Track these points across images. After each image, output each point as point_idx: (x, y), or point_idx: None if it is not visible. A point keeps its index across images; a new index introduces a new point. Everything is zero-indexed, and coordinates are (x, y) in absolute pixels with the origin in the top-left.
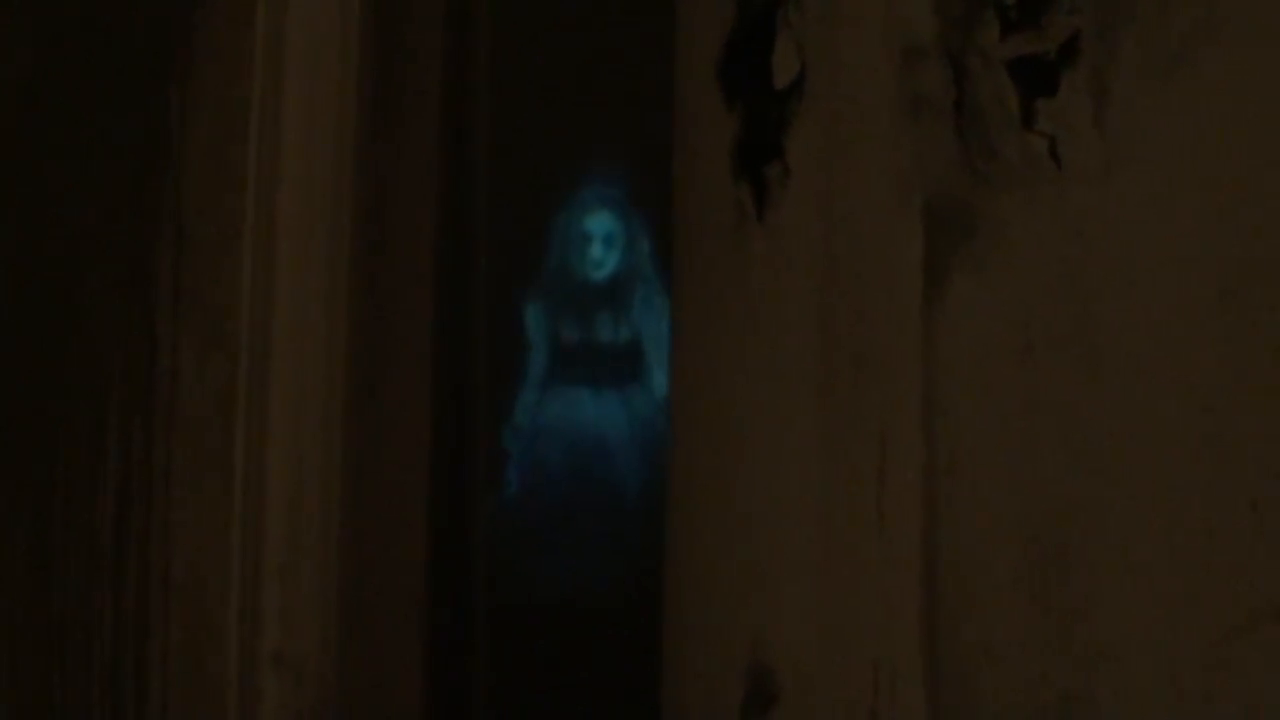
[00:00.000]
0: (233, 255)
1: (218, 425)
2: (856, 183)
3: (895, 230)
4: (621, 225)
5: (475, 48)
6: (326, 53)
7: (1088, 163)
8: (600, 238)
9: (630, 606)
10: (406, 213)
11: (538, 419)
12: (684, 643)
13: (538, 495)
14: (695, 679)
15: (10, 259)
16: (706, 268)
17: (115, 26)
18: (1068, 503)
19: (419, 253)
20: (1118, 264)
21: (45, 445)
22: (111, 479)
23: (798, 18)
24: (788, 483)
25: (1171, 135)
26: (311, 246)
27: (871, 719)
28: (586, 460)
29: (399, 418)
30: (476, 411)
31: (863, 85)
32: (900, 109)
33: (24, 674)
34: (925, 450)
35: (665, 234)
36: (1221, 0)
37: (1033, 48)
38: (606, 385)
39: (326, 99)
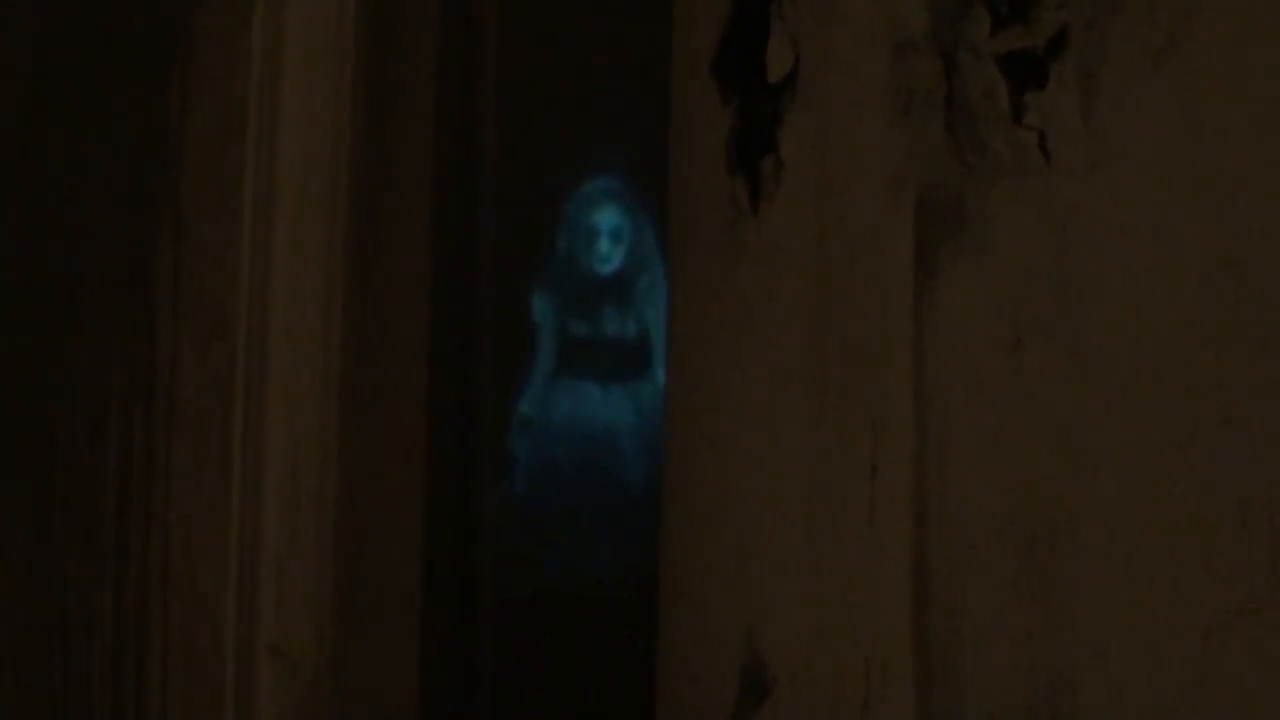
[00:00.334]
0: (231, 251)
1: (216, 419)
2: (849, 176)
3: (887, 223)
4: (628, 220)
5: (480, 45)
6: (323, 51)
7: (1076, 156)
8: (607, 232)
9: (636, 598)
10: (402, 208)
11: (545, 412)
12: (679, 637)
13: (545, 488)
14: (690, 673)
15: (10, 254)
16: (702, 261)
17: (115, 24)
18: (1055, 496)
19: (414, 247)
20: (1105, 256)
21: (46, 440)
22: (112, 473)
23: (791, 12)
24: (781, 477)
25: (1158, 128)
26: (308, 242)
27: (864, 710)
28: (594, 453)
29: (395, 412)
30: (483, 405)
31: (855, 79)
32: (892, 103)
33: (26, 666)
34: (916, 443)
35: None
36: None
37: (1022, 42)
38: (613, 378)
39: (323, 97)
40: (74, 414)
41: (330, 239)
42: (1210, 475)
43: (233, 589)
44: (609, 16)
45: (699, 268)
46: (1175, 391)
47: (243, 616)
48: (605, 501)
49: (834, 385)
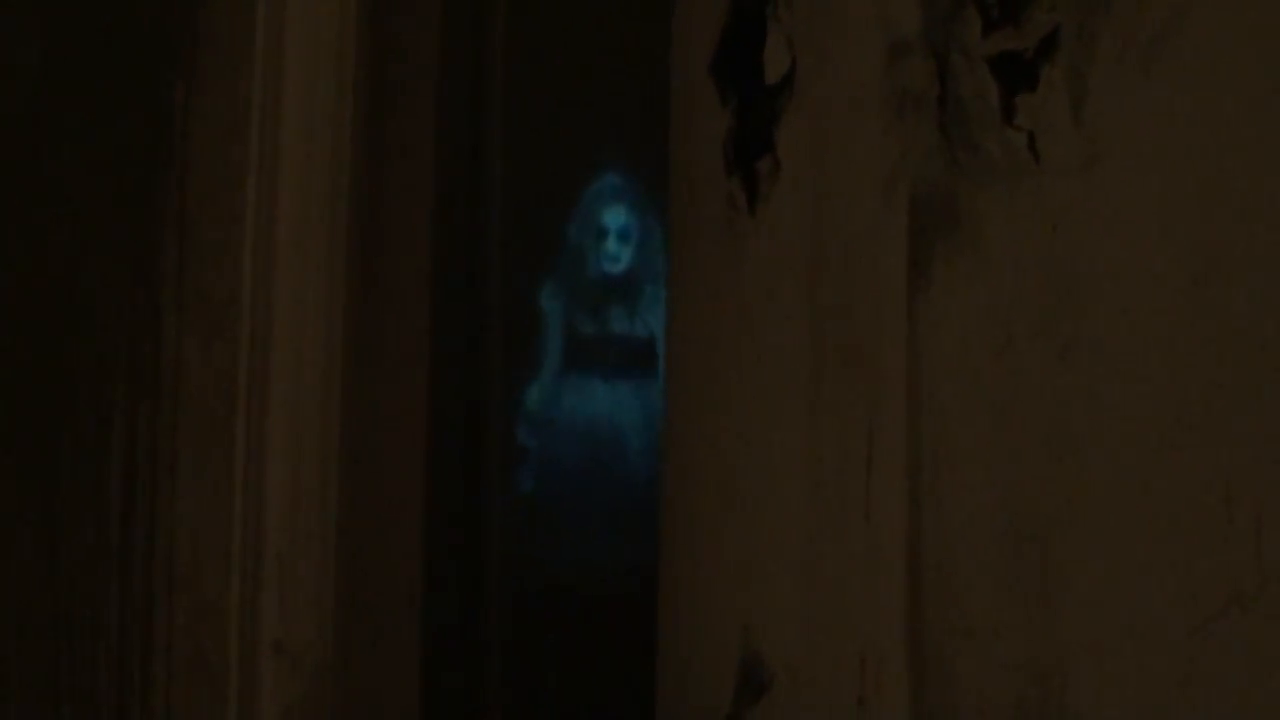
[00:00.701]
0: (234, 250)
1: (220, 418)
2: (844, 176)
3: (881, 222)
4: (637, 219)
5: (487, 43)
6: (325, 51)
7: (1066, 157)
8: (616, 232)
9: (642, 594)
10: (403, 206)
11: (552, 410)
12: (677, 634)
13: (552, 485)
14: (688, 669)
15: (15, 252)
16: (700, 260)
17: (120, 24)
18: (1047, 493)
19: (416, 246)
20: (1096, 256)
21: (52, 436)
22: (117, 469)
23: (788, 14)
24: (777, 476)
25: (1147, 129)
26: (311, 241)
27: (859, 705)
28: (601, 450)
29: (397, 410)
30: (489, 403)
31: (850, 80)
32: (886, 104)
33: (33, 663)
34: (910, 441)
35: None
36: None
37: (1013, 44)
38: (621, 377)
39: (325, 96)
40: (79, 413)
41: (333, 238)
42: (1198, 472)
43: (236, 587)
44: (621, 14)
45: (697, 267)
46: (1164, 389)
47: (246, 614)
48: (612, 498)
49: (830, 384)
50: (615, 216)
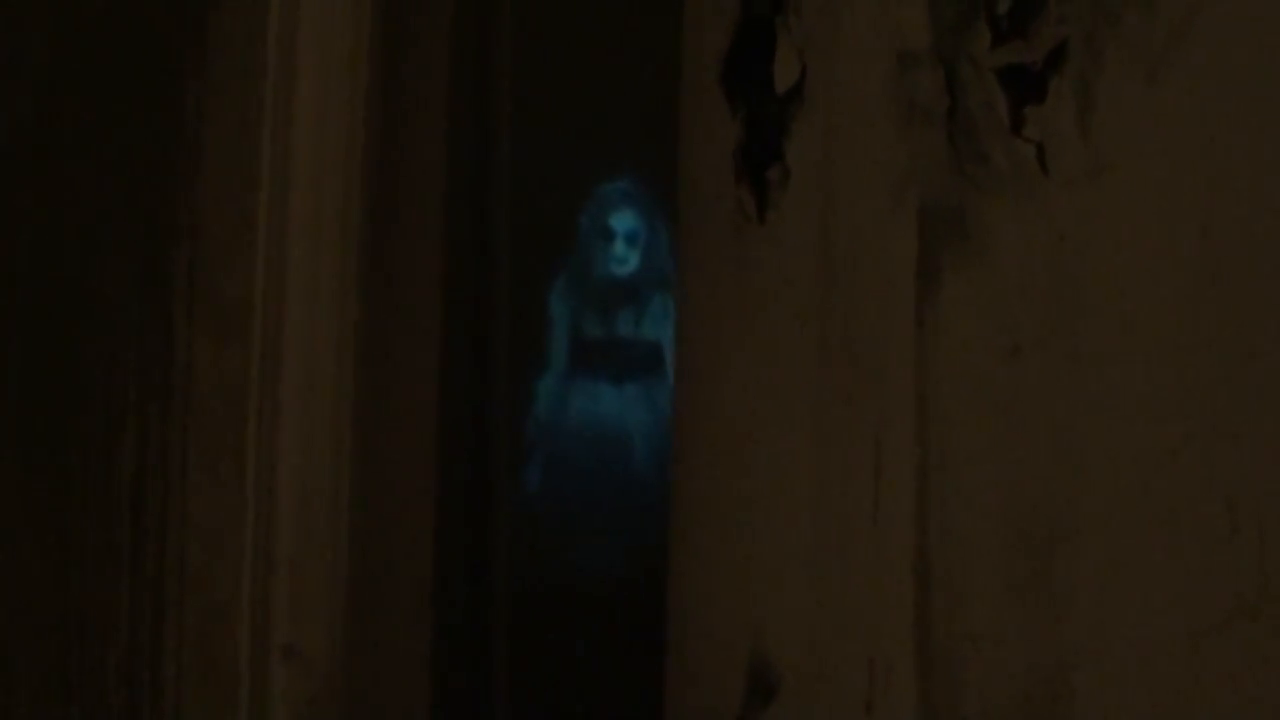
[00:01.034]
0: (246, 253)
1: (231, 418)
2: (853, 185)
3: (890, 232)
4: (645, 223)
5: (495, 45)
6: (338, 55)
7: (1074, 168)
8: (623, 235)
9: (648, 597)
10: (416, 210)
11: (559, 412)
12: (686, 637)
13: (560, 488)
14: (697, 673)
15: (27, 252)
16: (709, 268)
17: (129, 25)
18: (1053, 501)
19: (428, 248)
20: (1103, 266)
21: (62, 438)
22: (128, 471)
23: (797, 24)
24: (786, 480)
25: (1155, 141)
26: (322, 244)
27: (867, 711)
28: (609, 453)
29: (408, 412)
30: (496, 405)
31: (859, 91)
32: (895, 114)
33: (43, 664)
34: (918, 447)
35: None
36: (1203, 7)
37: (1021, 57)
38: (628, 379)
39: (338, 100)
40: (89, 415)
41: (345, 241)
42: (1203, 481)
43: (247, 590)
44: (627, 18)
45: (706, 274)
46: (1169, 398)
47: (257, 617)
48: (618, 501)
49: (838, 391)
50: (623, 220)
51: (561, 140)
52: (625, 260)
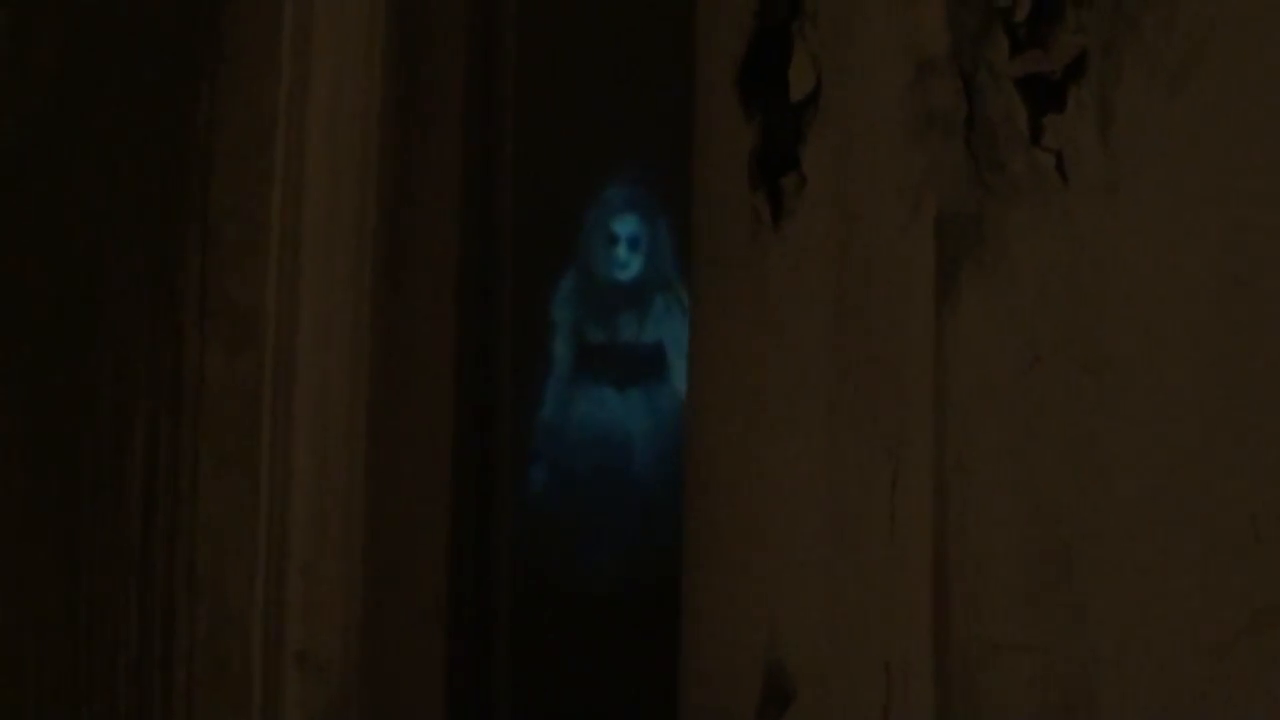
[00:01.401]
0: (258, 260)
1: (244, 424)
2: (870, 193)
3: (907, 240)
4: (647, 228)
5: (500, 49)
6: (352, 62)
7: (1093, 177)
8: (626, 240)
9: (653, 602)
10: (432, 213)
11: (562, 417)
12: (701, 642)
13: (563, 492)
14: (712, 680)
15: (34, 257)
16: (724, 275)
17: (139, 29)
18: (1073, 509)
19: (445, 253)
20: (1122, 276)
21: (70, 443)
22: (137, 477)
23: (813, 32)
24: (802, 486)
25: (1175, 150)
26: (337, 247)
27: (884, 716)
28: (612, 457)
29: (424, 418)
30: (500, 411)
31: (876, 99)
32: (912, 123)
33: (51, 668)
34: (936, 454)
35: (687, 239)
36: (1222, 18)
37: (1040, 66)
38: (631, 384)
39: (353, 99)
40: (98, 420)
41: (360, 246)
42: (1224, 489)
43: (260, 596)
44: (633, 26)
45: (720, 282)
46: (1189, 407)
47: (270, 623)
48: (621, 505)
49: (855, 398)
50: (625, 224)
51: (563, 143)
52: (628, 265)
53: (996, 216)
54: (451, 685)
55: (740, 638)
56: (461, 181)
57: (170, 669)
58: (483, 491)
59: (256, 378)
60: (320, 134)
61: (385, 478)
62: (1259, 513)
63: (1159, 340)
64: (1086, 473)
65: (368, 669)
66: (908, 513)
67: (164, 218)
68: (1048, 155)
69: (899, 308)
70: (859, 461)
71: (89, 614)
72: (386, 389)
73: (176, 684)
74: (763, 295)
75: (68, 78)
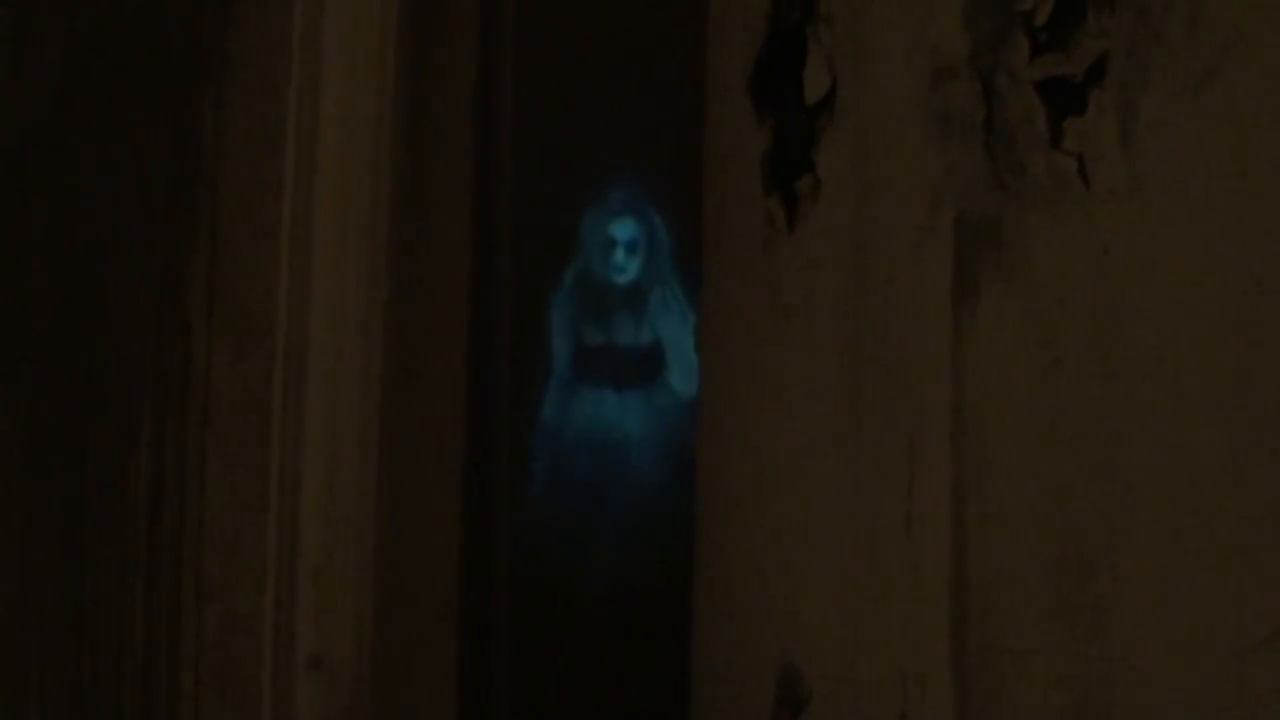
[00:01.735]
0: (268, 260)
1: (253, 428)
2: (887, 197)
3: (925, 243)
4: (644, 231)
5: (498, 51)
6: (363, 68)
7: (1115, 181)
8: (624, 243)
9: (652, 604)
10: (442, 217)
11: (561, 420)
12: (715, 648)
13: (561, 495)
14: (725, 686)
15: (41, 260)
16: (737, 279)
17: (146, 36)
18: (1093, 515)
19: (455, 256)
20: (1144, 279)
21: (77, 447)
22: (144, 479)
23: (828, 35)
24: (818, 491)
25: (1198, 154)
26: (348, 251)
27: None
28: (610, 460)
29: (434, 422)
30: (499, 413)
31: (893, 102)
32: (930, 126)
33: (57, 669)
34: (953, 460)
35: (686, 240)
36: (1247, 22)
37: (1061, 69)
38: (628, 386)
39: (365, 99)
40: (104, 425)
41: (372, 250)
42: (1247, 496)
43: (270, 600)
44: (630, 30)
45: (733, 286)
46: (1210, 411)
47: (280, 629)
48: (620, 508)
49: (871, 402)
50: (623, 228)
51: (561, 147)
52: (625, 268)
53: (1016, 219)
54: (462, 688)
55: (754, 641)
56: (472, 183)
57: (177, 672)
58: (479, 493)
59: (266, 380)
60: (332, 136)
61: (397, 480)
62: None
63: (1180, 344)
64: (1107, 477)
65: (380, 673)
66: (924, 517)
67: (170, 219)
68: (1068, 158)
69: (916, 311)
70: (875, 465)
71: (93, 616)
72: (399, 392)
73: (184, 687)
74: (777, 300)
75: (72, 79)
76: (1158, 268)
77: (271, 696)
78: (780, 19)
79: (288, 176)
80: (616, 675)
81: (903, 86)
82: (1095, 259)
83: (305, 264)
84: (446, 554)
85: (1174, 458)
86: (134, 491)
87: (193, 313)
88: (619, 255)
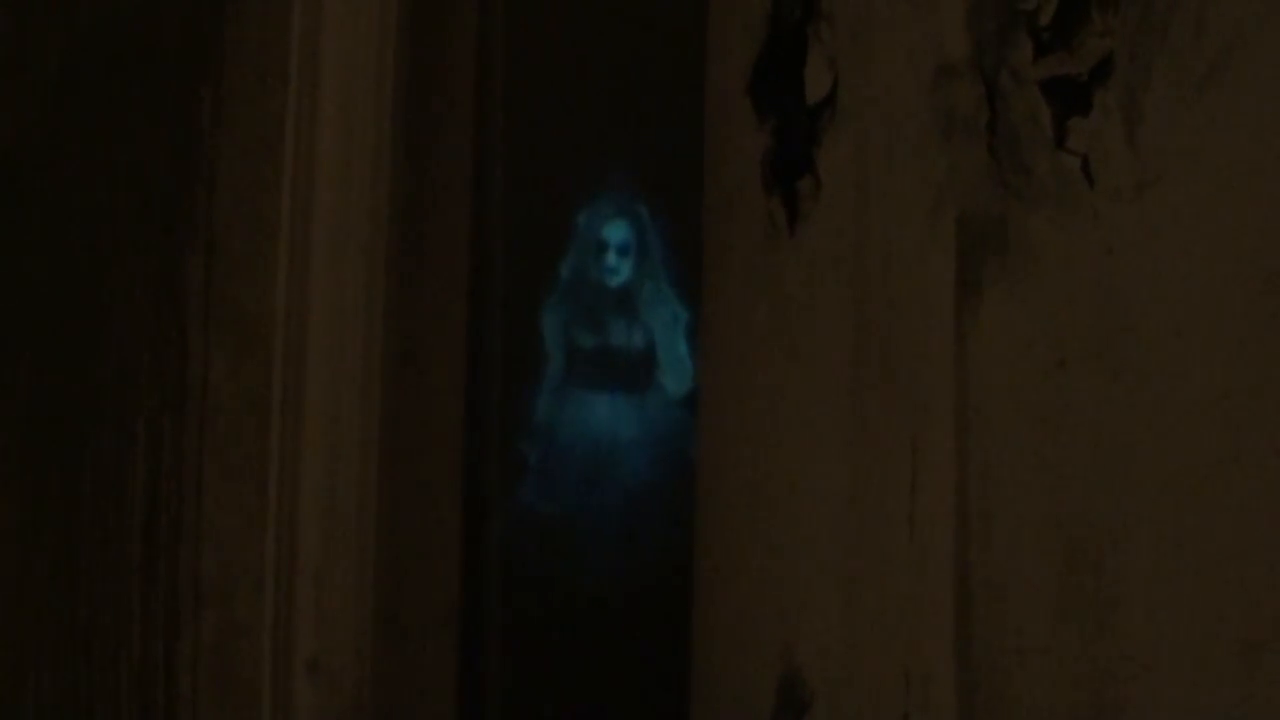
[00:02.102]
0: (266, 263)
1: (251, 431)
2: (889, 197)
3: (928, 245)
4: (636, 234)
5: (490, 56)
6: (363, 68)
7: (1120, 181)
8: (616, 246)
9: (647, 606)
10: (442, 218)
11: (554, 423)
12: (714, 650)
13: (554, 497)
14: (726, 687)
15: (36, 263)
16: (737, 281)
17: (142, 35)
18: (1100, 514)
19: (455, 259)
20: (1150, 280)
21: (73, 450)
22: (140, 483)
23: (829, 34)
24: (819, 492)
25: (1204, 153)
26: (347, 251)
27: None
28: (602, 462)
29: (435, 424)
30: (491, 417)
31: (895, 102)
32: (933, 126)
33: (53, 673)
34: (957, 460)
35: (678, 242)
36: (1252, 21)
37: (1065, 69)
38: (621, 389)
39: (363, 102)
40: (100, 428)
41: (371, 253)
42: (1255, 493)
43: (269, 604)
44: (623, 32)
45: (734, 288)
46: (1220, 411)
47: (279, 632)
48: (612, 510)
49: (873, 403)
50: (615, 231)
51: (553, 150)
52: (617, 271)
53: (1020, 220)
54: (467, 693)
55: (755, 644)
56: (472, 184)
57: (175, 676)
58: (471, 496)
59: (265, 381)
60: (331, 137)
61: (397, 482)
62: None
63: (1188, 344)
64: (1114, 477)
65: (380, 676)
66: (928, 518)
67: (166, 221)
68: (1073, 158)
69: (919, 312)
70: (878, 467)
71: (90, 619)
72: (398, 393)
73: (182, 691)
74: (778, 301)
75: (68, 77)
76: (1163, 268)
77: (270, 700)
78: (781, 18)
79: (286, 177)
80: (616, 677)
81: (905, 86)
82: (1100, 259)
83: (304, 264)
84: (447, 556)
85: (1180, 457)
86: (131, 494)
87: (190, 314)
88: (611, 258)
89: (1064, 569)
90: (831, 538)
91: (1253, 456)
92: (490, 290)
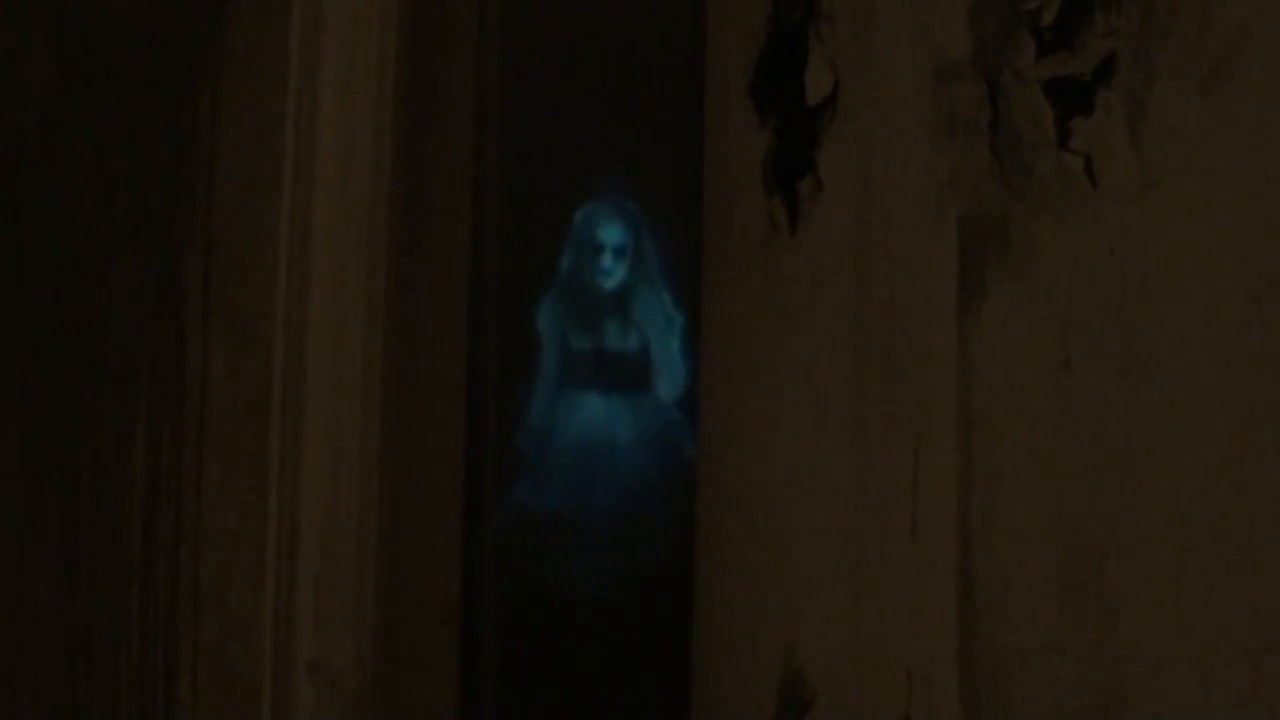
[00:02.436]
0: (266, 264)
1: (250, 432)
2: (890, 198)
3: (930, 245)
4: (631, 236)
5: (486, 57)
6: (363, 69)
7: (1123, 181)
8: (611, 249)
9: (645, 608)
10: (442, 219)
11: (548, 425)
12: (716, 651)
13: (548, 499)
14: (728, 687)
15: (34, 265)
16: (738, 281)
17: (141, 37)
18: (1103, 514)
19: (454, 259)
20: (1154, 280)
21: (71, 454)
22: (139, 484)
23: (830, 35)
24: (821, 493)
25: (1207, 154)
26: (347, 252)
27: None
28: (597, 464)
29: (435, 426)
30: (486, 419)
31: (897, 102)
32: (935, 126)
33: (51, 674)
34: (960, 460)
35: (674, 245)
36: (1256, 22)
37: (1068, 69)
38: (616, 391)
39: (362, 102)
40: (99, 431)
41: (371, 253)
42: (1259, 495)
43: (269, 607)
44: (618, 33)
45: (734, 288)
46: (1222, 411)
47: (280, 634)
48: (608, 512)
49: (875, 403)
50: (610, 233)
51: (548, 151)
52: (612, 273)
53: (1023, 220)
54: (468, 694)
55: (756, 643)
56: (472, 184)
57: (174, 678)
58: (467, 498)
59: (264, 382)
60: (331, 139)
61: (397, 483)
62: None
63: (1191, 344)
64: (1117, 477)
65: (381, 677)
66: (930, 518)
67: (164, 221)
68: (1076, 158)
69: (921, 313)
70: (880, 467)
71: (89, 622)
72: (398, 393)
73: (181, 694)
74: (778, 302)
75: (67, 77)
76: (1166, 268)
77: (271, 702)
78: (781, 19)
79: (285, 177)
80: (615, 678)
81: (906, 86)
82: (1103, 259)
83: (303, 265)
84: (447, 557)
85: (1183, 457)
86: (130, 495)
87: (189, 314)
88: (607, 260)
89: (1066, 568)
90: (833, 538)
91: (1255, 456)
92: (488, 290)
